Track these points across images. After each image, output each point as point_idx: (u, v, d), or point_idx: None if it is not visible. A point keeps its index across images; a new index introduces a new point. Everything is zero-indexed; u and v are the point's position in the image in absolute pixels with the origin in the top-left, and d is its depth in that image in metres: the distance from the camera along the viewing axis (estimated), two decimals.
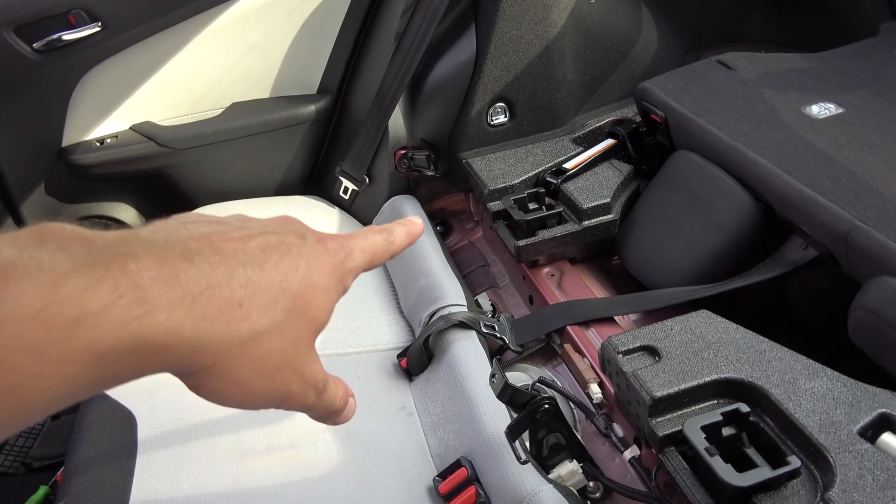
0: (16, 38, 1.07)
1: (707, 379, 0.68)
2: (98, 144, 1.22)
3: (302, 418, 0.94)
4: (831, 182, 0.84)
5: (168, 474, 0.80)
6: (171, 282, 0.27)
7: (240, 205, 1.33)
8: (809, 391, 0.65)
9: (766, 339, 0.72)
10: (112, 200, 1.31)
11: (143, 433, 0.84)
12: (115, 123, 1.24)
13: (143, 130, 1.25)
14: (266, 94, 1.34)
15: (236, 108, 1.31)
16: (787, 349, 0.70)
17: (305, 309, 0.32)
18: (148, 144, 1.24)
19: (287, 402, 0.34)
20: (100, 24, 1.11)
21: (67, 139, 1.21)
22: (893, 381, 0.72)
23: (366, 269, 0.37)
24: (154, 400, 0.88)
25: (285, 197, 1.38)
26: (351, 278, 0.36)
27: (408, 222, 0.41)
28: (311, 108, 1.33)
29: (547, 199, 1.10)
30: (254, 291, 0.30)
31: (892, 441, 0.61)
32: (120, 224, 1.32)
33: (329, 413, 0.37)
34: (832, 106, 1.00)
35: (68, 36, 1.10)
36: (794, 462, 0.59)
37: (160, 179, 1.31)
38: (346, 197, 1.34)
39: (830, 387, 0.66)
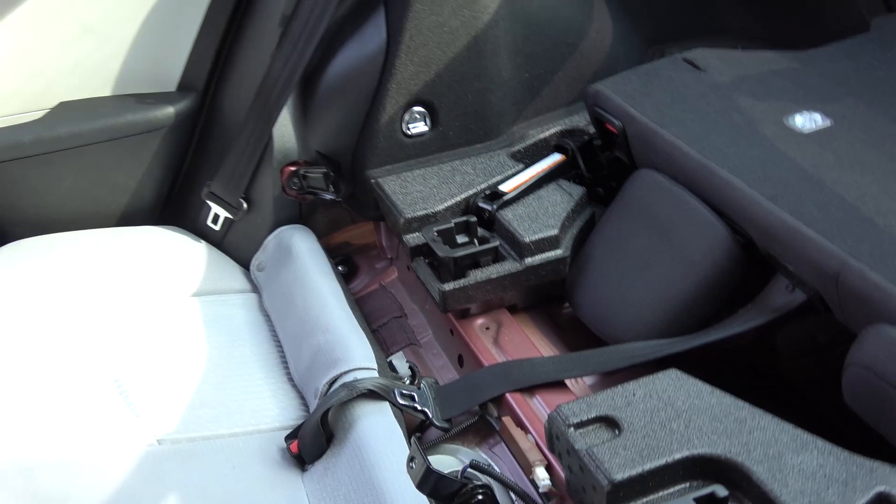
0: None
1: (677, 456, 0.72)
2: None
3: None
4: (819, 210, 0.91)
5: None
6: None
7: (70, 237, 1.29)
8: (797, 468, 0.70)
9: (746, 405, 0.77)
10: None
11: None
12: None
13: None
14: (107, 92, 1.32)
15: (65, 110, 1.29)
16: (771, 416, 0.76)
17: None
18: None
19: None
20: None
21: None
22: (892, 450, 0.78)
23: None
24: None
25: (134, 228, 1.36)
26: None
27: None
28: (169, 110, 1.32)
29: (480, 231, 1.13)
30: None
31: None
32: None
33: None
34: (818, 116, 1.09)
35: None
36: None
37: None
38: (217, 227, 1.34)
39: (822, 462, 0.71)
